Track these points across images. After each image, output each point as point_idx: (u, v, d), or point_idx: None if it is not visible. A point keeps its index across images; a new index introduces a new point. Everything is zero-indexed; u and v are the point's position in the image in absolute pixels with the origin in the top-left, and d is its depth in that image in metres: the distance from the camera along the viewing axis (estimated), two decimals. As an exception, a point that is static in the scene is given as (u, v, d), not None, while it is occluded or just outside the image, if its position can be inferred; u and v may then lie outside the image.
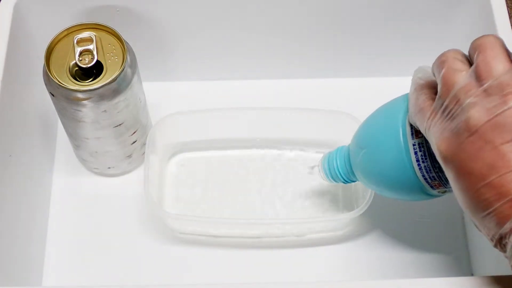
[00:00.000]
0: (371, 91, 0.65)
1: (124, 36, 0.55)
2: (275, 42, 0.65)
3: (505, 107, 0.39)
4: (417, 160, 0.47)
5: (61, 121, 0.59)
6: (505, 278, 0.44)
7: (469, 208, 0.40)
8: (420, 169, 0.47)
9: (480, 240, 0.57)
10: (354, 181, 0.56)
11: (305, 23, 0.64)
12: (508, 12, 0.58)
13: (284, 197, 0.63)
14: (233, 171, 0.64)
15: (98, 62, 0.54)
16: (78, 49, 0.54)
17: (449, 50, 0.43)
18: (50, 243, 0.61)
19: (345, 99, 0.67)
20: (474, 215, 0.40)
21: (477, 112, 0.39)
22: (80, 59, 0.54)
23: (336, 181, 0.56)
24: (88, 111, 0.55)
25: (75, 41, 0.54)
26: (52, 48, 0.54)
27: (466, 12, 0.62)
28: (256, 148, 0.65)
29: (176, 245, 0.61)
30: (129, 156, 0.62)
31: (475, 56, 0.41)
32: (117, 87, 0.54)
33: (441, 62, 0.42)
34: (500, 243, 0.39)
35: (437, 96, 0.42)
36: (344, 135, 0.57)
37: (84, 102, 0.54)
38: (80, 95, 0.53)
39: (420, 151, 0.47)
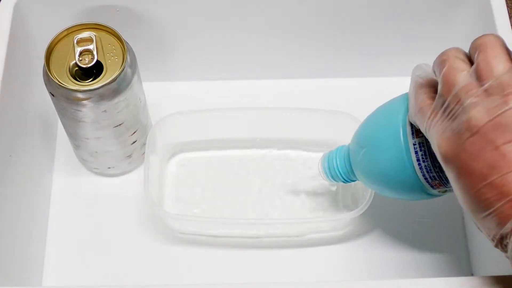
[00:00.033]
0: (371, 91, 0.65)
1: (124, 36, 0.55)
2: (275, 42, 0.65)
3: (506, 108, 0.39)
4: (418, 160, 0.47)
5: (61, 121, 0.59)
6: (505, 278, 0.44)
7: (470, 208, 0.40)
8: (420, 168, 0.47)
9: (480, 240, 0.57)
10: (354, 181, 0.56)
11: (305, 23, 0.64)
12: (508, 12, 0.58)
13: (284, 197, 0.63)
14: (233, 171, 0.64)
15: (98, 62, 0.54)
16: (78, 49, 0.54)
17: (450, 49, 0.43)
18: (50, 243, 0.61)
19: (345, 99, 0.67)
20: (475, 215, 0.40)
21: (478, 112, 0.39)
22: (80, 59, 0.54)
23: (336, 181, 0.56)
24: (88, 111, 0.55)
25: (75, 41, 0.54)
26: (52, 48, 0.54)
27: (466, 12, 0.62)
28: (256, 148, 0.65)
29: (176, 245, 0.61)
30: (129, 156, 0.62)
31: (476, 55, 0.41)
32: (117, 87, 0.54)
33: (442, 60, 0.42)
34: (501, 243, 0.39)
35: (437, 95, 0.42)
36: (344, 135, 0.57)
37: (84, 102, 0.54)
38: (80, 95, 0.53)
39: (420, 150, 0.47)
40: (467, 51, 0.43)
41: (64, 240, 0.61)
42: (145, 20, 0.63)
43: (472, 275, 0.59)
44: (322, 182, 0.61)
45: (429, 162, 0.47)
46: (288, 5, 0.62)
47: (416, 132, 0.47)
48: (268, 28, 0.64)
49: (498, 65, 0.40)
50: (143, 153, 0.61)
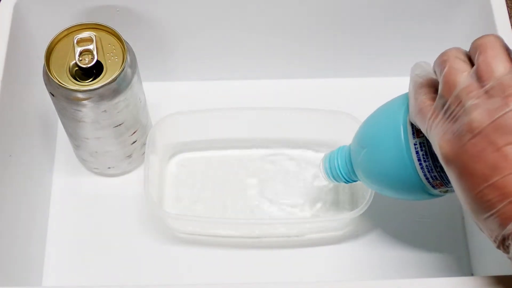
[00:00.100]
0: (371, 91, 0.65)
1: (124, 36, 0.55)
2: (275, 42, 0.65)
3: (507, 109, 0.39)
4: (419, 160, 0.47)
5: (61, 121, 0.59)
6: (505, 278, 0.44)
7: (471, 209, 0.40)
8: (421, 168, 0.47)
9: (480, 240, 0.57)
10: (355, 181, 0.56)
11: (305, 23, 0.64)
12: (508, 12, 0.58)
13: (284, 197, 0.63)
14: (233, 171, 0.64)
15: (98, 62, 0.54)
16: (78, 49, 0.54)
17: (450, 49, 0.43)
18: (50, 243, 0.61)
19: (345, 99, 0.67)
20: (476, 216, 0.40)
21: (479, 114, 0.39)
22: (80, 59, 0.54)
23: (337, 181, 0.56)
24: (88, 111, 0.55)
25: (75, 41, 0.54)
26: (52, 48, 0.54)
27: (466, 12, 0.62)
28: (256, 148, 0.65)
29: (176, 245, 0.61)
30: (129, 156, 0.62)
31: (476, 56, 0.41)
32: (117, 87, 0.54)
33: (442, 61, 0.42)
34: (503, 244, 0.39)
35: (438, 96, 0.42)
36: (344, 135, 0.57)
37: (84, 102, 0.54)
38: (80, 95, 0.53)
39: (421, 150, 0.47)
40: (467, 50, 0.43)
41: (64, 240, 0.61)
42: (145, 20, 0.63)
43: (472, 275, 0.59)
44: (322, 182, 0.61)
45: (430, 162, 0.47)
46: (288, 5, 0.62)
47: (416, 132, 0.47)
48: (268, 28, 0.64)
49: (498, 66, 0.40)
50: (143, 153, 0.61)
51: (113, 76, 0.53)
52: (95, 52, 0.54)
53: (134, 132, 0.60)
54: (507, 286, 0.43)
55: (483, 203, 0.39)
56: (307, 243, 0.61)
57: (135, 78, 0.56)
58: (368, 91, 0.66)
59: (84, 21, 0.55)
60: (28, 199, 0.59)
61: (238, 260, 0.60)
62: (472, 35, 0.44)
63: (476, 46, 0.41)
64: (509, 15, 0.58)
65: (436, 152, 0.43)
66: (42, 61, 0.54)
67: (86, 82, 0.54)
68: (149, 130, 0.61)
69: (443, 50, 0.43)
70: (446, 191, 0.49)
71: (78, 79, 0.54)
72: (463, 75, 0.41)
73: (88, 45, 0.54)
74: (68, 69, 0.54)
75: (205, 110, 0.62)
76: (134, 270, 0.60)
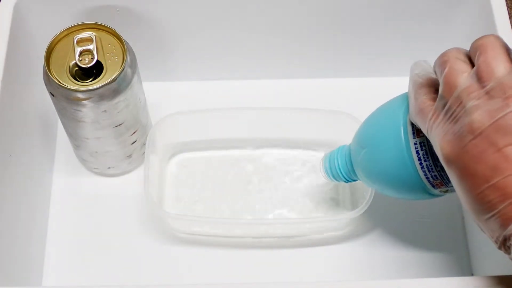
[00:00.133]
0: (371, 91, 0.65)
1: (124, 36, 0.55)
2: (275, 42, 0.65)
3: (508, 110, 0.38)
4: (419, 159, 0.47)
5: (61, 121, 0.59)
6: (505, 278, 0.44)
7: (472, 210, 0.40)
8: (422, 168, 0.47)
9: (480, 240, 0.57)
10: (355, 180, 0.56)
11: (305, 23, 0.64)
12: (508, 12, 0.58)
13: (284, 197, 0.63)
14: (233, 171, 0.64)
15: (98, 62, 0.54)
16: (78, 49, 0.54)
17: (451, 49, 0.43)
18: (50, 243, 0.61)
19: (345, 99, 0.67)
20: (477, 217, 0.40)
21: (480, 115, 0.39)
22: (80, 59, 0.54)
23: (337, 180, 0.56)
24: (88, 111, 0.55)
25: (75, 41, 0.54)
26: (52, 48, 0.54)
27: (466, 12, 0.62)
28: (256, 148, 0.65)
29: (176, 245, 0.61)
30: (129, 156, 0.62)
31: (476, 56, 0.41)
32: (117, 87, 0.54)
33: (443, 61, 0.42)
34: (504, 245, 0.39)
35: (438, 96, 0.42)
36: (344, 135, 0.57)
37: (84, 102, 0.54)
38: (80, 95, 0.53)
39: (421, 150, 0.47)
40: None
41: (64, 240, 0.61)
42: (145, 20, 0.62)
43: (472, 275, 0.59)
44: (322, 182, 0.61)
45: (431, 162, 0.47)
46: (288, 5, 0.62)
47: (417, 131, 0.47)
48: (268, 28, 0.64)
49: (498, 66, 0.40)
50: (143, 153, 0.61)
51: (113, 76, 0.53)
52: (95, 52, 0.54)
53: (134, 132, 0.60)
54: (507, 286, 0.43)
55: (484, 204, 0.39)
56: (307, 243, 0.61)
57: (135, 78, 0.56)
58: (368, 91, 0.66)
59: (84, 21, 0.55)
60: (28, 199, 0.59)
61: (238, 260, 0.60)
62: (472, 35, 0.44)
63: (476, 46, 0.41)
64: (509, 15, 0.58)
65: (437, 153, 0.43)
66: (42, 61, 0.54)
67: (86, 82, 0.54)
68: (149, 130, 0.61)
69: (443, 50, 0.43)
70: (446, 191, 0.49)
71: (78, 79, 0.54)
72: (464, 76, 0.41)
73: (88, 45, 0.54)
74: (68, 69, 0.54)
75: (205, 110, 0.62)
76: (134, 270, 0.60)
